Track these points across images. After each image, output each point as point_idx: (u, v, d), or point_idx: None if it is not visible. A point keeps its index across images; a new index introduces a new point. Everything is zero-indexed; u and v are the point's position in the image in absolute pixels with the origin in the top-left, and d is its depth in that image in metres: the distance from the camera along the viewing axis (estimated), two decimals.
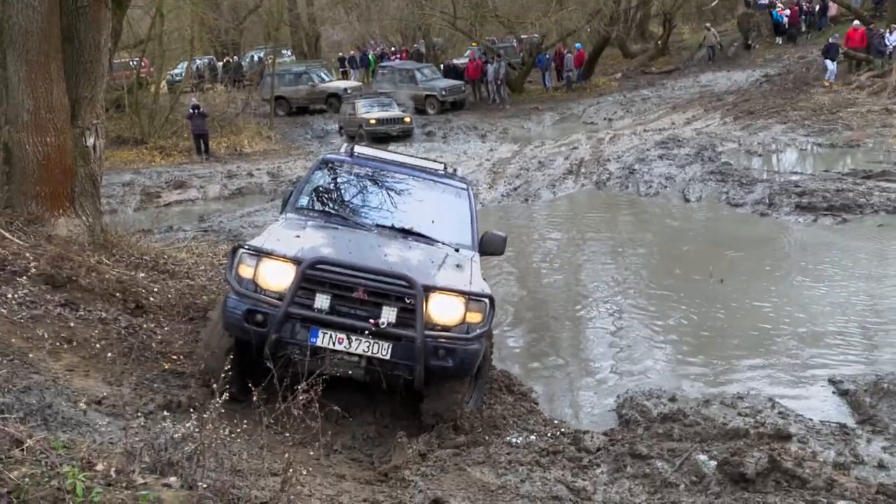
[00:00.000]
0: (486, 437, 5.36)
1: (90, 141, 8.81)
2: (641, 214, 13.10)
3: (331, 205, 6.57)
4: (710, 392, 6.37)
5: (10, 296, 6.08)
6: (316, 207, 6.47)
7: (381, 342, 5.02)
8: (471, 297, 5.20)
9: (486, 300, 5.24)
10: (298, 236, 5.56)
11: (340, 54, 40.14)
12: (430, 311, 5.10)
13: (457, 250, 6.10)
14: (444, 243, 6.15)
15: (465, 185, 7.07)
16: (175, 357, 6.12)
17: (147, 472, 3.01)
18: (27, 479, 2.61)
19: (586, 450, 5.24)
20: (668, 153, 16.19)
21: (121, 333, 6.28)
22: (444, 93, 28.71)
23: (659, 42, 36.58)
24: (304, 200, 6.52)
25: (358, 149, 7.25)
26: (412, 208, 6.49)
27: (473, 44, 36.04)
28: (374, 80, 31.94)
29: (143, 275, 8.03)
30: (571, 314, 8.69)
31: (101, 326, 6.31)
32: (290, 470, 3.15)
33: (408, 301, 5.05)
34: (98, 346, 5.83)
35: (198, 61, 35.80)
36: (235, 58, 40.09)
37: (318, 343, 4.99)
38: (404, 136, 23.64)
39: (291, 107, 30.62)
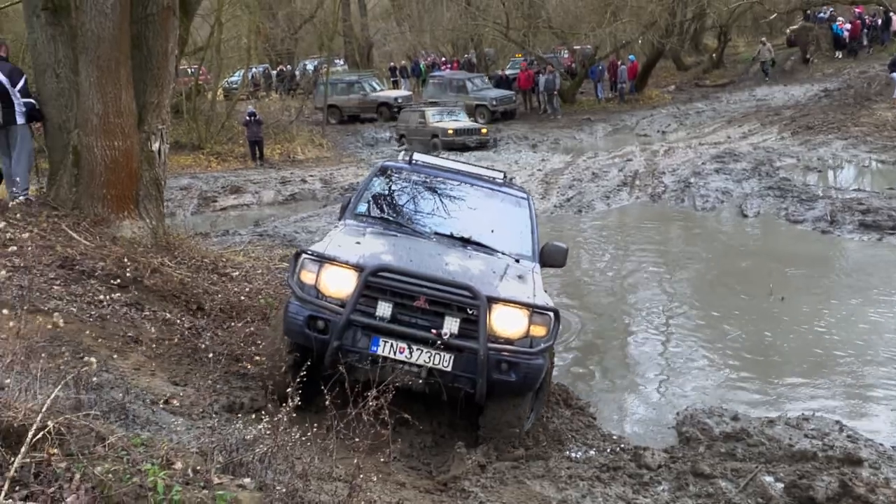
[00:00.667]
0: (546, 451, 5.30)
1: (155, 145, 9.01)
2: (698, 229, 12.92)
3: (389, 212, 6.53)
4: (772, 412, 6.24)
5: (79, 295, 6.24)
6: (374, 214, 6.44)
7: (442, 353, 4.94)
8: (535, 310, 5.09)
9: (551, 314, 5.13)
10: (359, 243, 5.54)
11: (392, 64, 40.45)
12: (492, 323, 5.00)
13: (517, 261, 6.00)
14: (504, 253, 6.05)
15: (525, 195, 6.99)
16: (236, 359, 6.20)
17: (221, 472, 3.04)
18: (110, 475, 2.65)
19: (647, 466, 5.15)
20: (725, 167, 15.96)
21: (184, 334, 6.40)
22: (494, 103, 28.74)
23: (713, 55, 36.17)
24: (362, 207, 6.50)
25: (416, 156, 7.21)
26: (471, 217, 6.41)
27: (517, 55, 36.11)
28: (425, 90, 32.13)
29: (203, 277, 8.16)
30: (626, 328, 8.59)
31: (164, 327, 6.44)
32: (360, 476, 3.16)
33: (470, 312, 4.96)
34: (163, 346, 5.96)
35: (253, 69, 36.37)
36: (289, 67, 40.70)
37: (379, 352, 4.93)
38: (480, 146, 23.23)
39: (343, 115, 30.95)
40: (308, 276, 5.12)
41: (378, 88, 32.55)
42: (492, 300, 5.01)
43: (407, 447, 5.32)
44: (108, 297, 6.43)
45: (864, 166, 16.17)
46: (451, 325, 4.95)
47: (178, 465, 2.90)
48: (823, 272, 9.89)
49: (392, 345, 4.94)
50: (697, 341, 8.05)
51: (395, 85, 37.63)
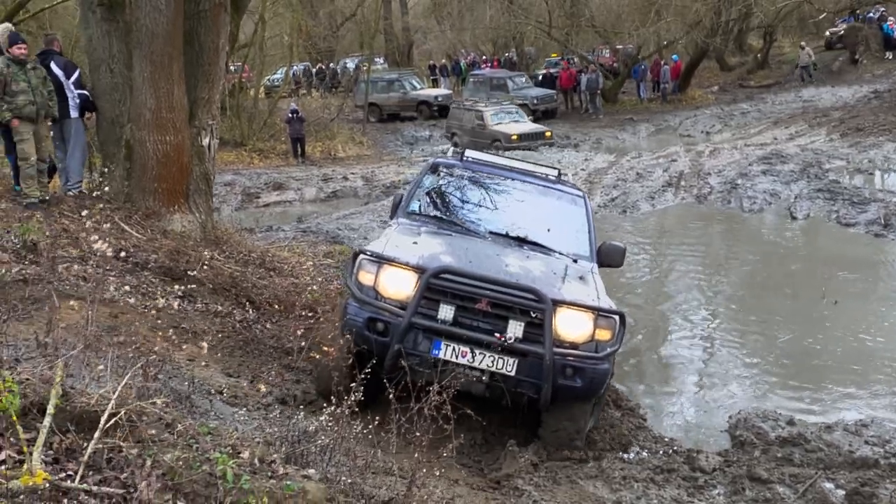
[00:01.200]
0: (598, 451, 5.24)
1: (205, 140, 9.10)
2: (745, 230, 12.72)
3: (443, 210, 6.41)
4: (827, 417, 6.11)
5: (134, 286, 6.32)
6: (427, 213, 6.32)
7: (506, 357, 4.80)
8: (600, 314, 4.95)
9: (617, 317, 4.98)
10: (416, 243, 5.43)
11: (431, 62, 40.49)
12: (557, 326, 4.86)
13: (575, 261, 5.86)
14: (561, 253, 5.91)
15: (580, 192, 6.85)
16: (286, 352, 6.24)
17: (285, 462, 3.05)
18: (181, 463, 2.67)
19: (701, 469, 5.08)
20: (772, 169, 15.68)
21: (235, 327, 6.46)
22: (535, 102, 28.60)
23: (758, 55, 35.62)
24: (415, 205, 6.39)
25: (468, 153, 7.12)
26: (526, 215, 6.27)
27: (553, 55, 35.95)
28: (466, 88, 32.10)
29: (251, 271, 8.23)
30: (672, 329, 8.47)
31: (216, 319, 6.50)
32: (423, 471, 3.14)
33: (534, 315, 4.83)
34: (215, 338, 6.01)
35: (295, 67, 36.68)
36: (331, 65, 40.96)
37: (441, 355, 4.79)
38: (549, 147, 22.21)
39: (383, 113, 31.03)
40: (367, 277, 5.00)
41: (418, 87, 32.59)
42: (556, 303, 4.87)
43: (458, 444, 5.30)
44: (162, 289, 6.51)
45: None
46: (515, 329, 4.82)
47: (245, 455, 2.91)
48: (877, 277, 9.67)
49: (454, 348, 4.81)
50: (746, 344, 7.92)
51: (435, 83, 37.67)
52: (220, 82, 9.56)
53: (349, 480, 2.96)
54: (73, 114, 8.50)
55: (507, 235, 6.02)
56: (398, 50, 41.87)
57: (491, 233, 6.01)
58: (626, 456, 5.24)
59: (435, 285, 4.84)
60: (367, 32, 33.39)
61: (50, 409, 2.58)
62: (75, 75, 8.50)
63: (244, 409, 4.53)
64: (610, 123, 27.16)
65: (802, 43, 33.56)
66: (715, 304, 9.16)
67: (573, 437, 5.17)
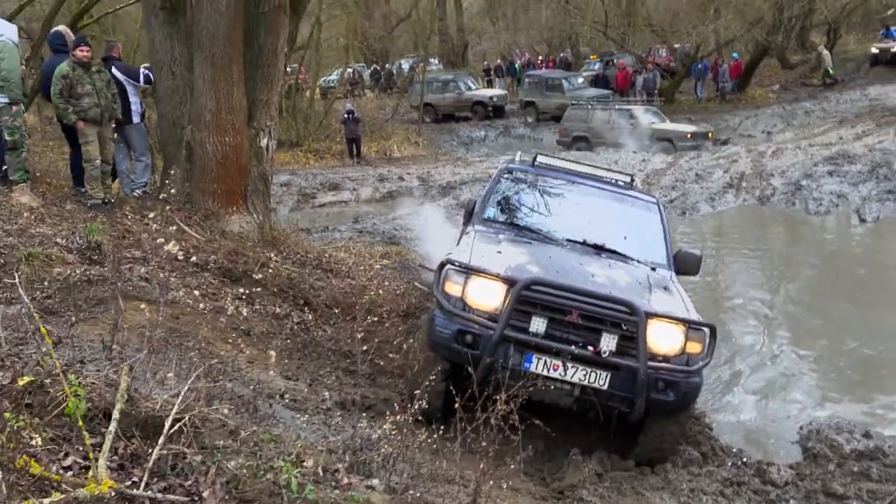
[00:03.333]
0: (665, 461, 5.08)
1: (264, 142, 9.15)
2: (811, 233, 12.33)
3: (518, 217, 6.33)
4: None
5: (194, 287, 6.36)
6: (503, 219, 6.26)
7: (598, 371, 4.71)
8: (691, 326, 4.83)
9: (707, 330, 4.85)
10: (500, 252, 5.32)
11: (486, 63, 40.38)
12: (648, 339, 4.73)
13: (653, 269, 5.76)
14: (638, 262, 5.82)
15: (654, 199, 6.74)
16: (345, 356, 6.21)
17: (348, 471, 2.99)
18: (245, 471, 2.62)
19: (773, 483, 4.89)
20: (838, 169, 15.18)
21: (293, 329, 6.45)
22: (593, 102, 28.23)
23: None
24: (490, 212, 6.31)
25: (540, 158, 7.05)
26: (601, 223, 6.18)
27: (593, 56, 35.55)
28: (521, 89, 31.90)
29: (308, 272, 8.24)
30: (736, 335, 8.21)
31: (275, 321, 6.50)
32: (490, 483, 3.05)
33: (625, 328, 4.72)
34: (274, 340, 6.01)
35: (351, 68, 36.94)
36: (386, 66, 41.15)
37: (532, 369, 4.66)
38: (709, 150, 21.08)
39: (438, 114, 31.00)
40: (454, 288, 4.89)
41: (473, 87, 32.50)
42: (648, 315, 4.75)
43: (517, 452, 5.19)
44: (221, 290, 6.54)
45: None
46: (608, 342, 4.71)
47: (309, 463, 2.85)
48: None
49: (546, 361, 4.70)
50: (813, 352, 7.64)
51: (490, 84, 37.53)
52: (279, 84, 9.63)
53: (415, 493, 2.88)
54: (136, 119, 8.63)
55: (584, 243, 5.93)
56: (453, 51, 41.84)
57: (568, 240, 5.94)
58: (693, 467, 5.06)
59: (527, 297, 4.73)
60: (423, 33, 33.44)
61: (115, 415, 2.56)
62: (143, 75, 8.61)
63: (305, 413, 4.48)
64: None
65: (821, 46, 32.37)
66: (779, 309, 8.87)
67: (668, 453, 5.07)
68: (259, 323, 6.23)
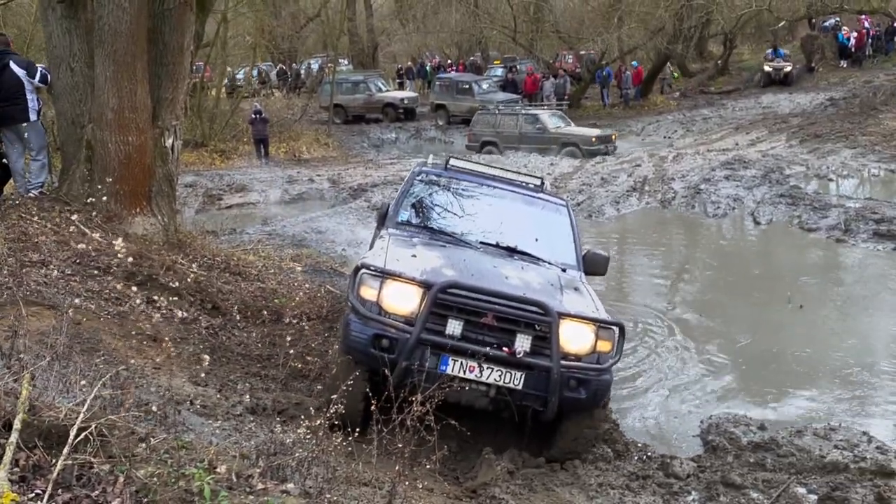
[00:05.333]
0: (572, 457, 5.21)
1: (169, 141, 8.91)
2: (709, 235, 12.86)
3: (432, 220, 6.38)
4: (796, 422, 6.16)
5: (96, 291, 6.14)
6: (417, 223, 6.30)
7: (513, 371, 4.77)
8: (601, 325, 4.97)
9: (616, 328, 4.99)
10: (415, 255, 5.37)
11: (399, 66, 40.40)
12: (560, 339, 4.83)
13: (564, 270, 5.88)
14: (550, 263, 5.94)
15: (563, 202, 6.87)
16: (254, 360, 6.11)
17: (262, 476, 2.96)
18: (155, 479, 2.56)
19: (676, 476, 5.08)
20: (735, 174, 15.90)
21: (201, 334, 6.31)
22: (501, 106, 28.61)
23: (718, 62, 36.11)
24: (403, 215, 6.33)
25: (453, 161, 7.09)
26: (513, 225, 6.26)
27: (496, 62, 36.22)
28: (432, 92, 32.04)
29: (216, 276, 8.06)
30: (639, 334, 8.48)
31: (182, 326, 6.35)
32: (405, 483, 3.07)
33: (538, 328, 4.82)
34: (181, 345, 5.86)
35: (259, 67, 36.33)
36: (294, 65, 40.61)
37: (449, 371, 4.69)
38: (612, 153, 21.50)
39: (348, 115, 30.79)
40: (369, 292, 4.87)
41: (384, 89, 32.46)
42: (560, 315, 4.85)
43: (431, 452, 5.22)
44: (125, 294, 6.33)
45: (874, 175, 16.11)
46: (523, 343, 4.78)
47: (221, 469, 2.81)
48: (840, 281, 9.83)
49: (462, 363, 4.73)
50: (711, 349, 7.95)
51: (401, 86, 37.58)
52: (185, 82, 9.38)
53: (331, 497, 2.87)
54: (33, 117, 8.25)
55: (497, 246, 6.02)
56: (363, 51, 41.65)
57: (482, 243, 6.01)
58: (601, 463, 5.20)
59: (443, 300, 4.76)
60: (332, 33, 33.17)
61: (17, 425, 2.46)
62: (39, 74, 8.24)
63: (216, 419, 4.40)
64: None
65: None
66: (680, 308, 9.21)
67: (591, 442, 5.23)
68: (166, 328, 6.07)
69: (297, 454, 3.16)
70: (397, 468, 3.18)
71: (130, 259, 7.03)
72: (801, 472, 5.09)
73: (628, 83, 31.14)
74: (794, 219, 12.74)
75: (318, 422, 3.24)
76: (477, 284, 4.93)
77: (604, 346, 4.95)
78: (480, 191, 6.66)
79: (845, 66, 31.73)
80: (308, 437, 3.23)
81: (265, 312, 7.35)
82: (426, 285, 4.79)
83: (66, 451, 2.53)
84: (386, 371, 4.44)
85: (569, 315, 4.92)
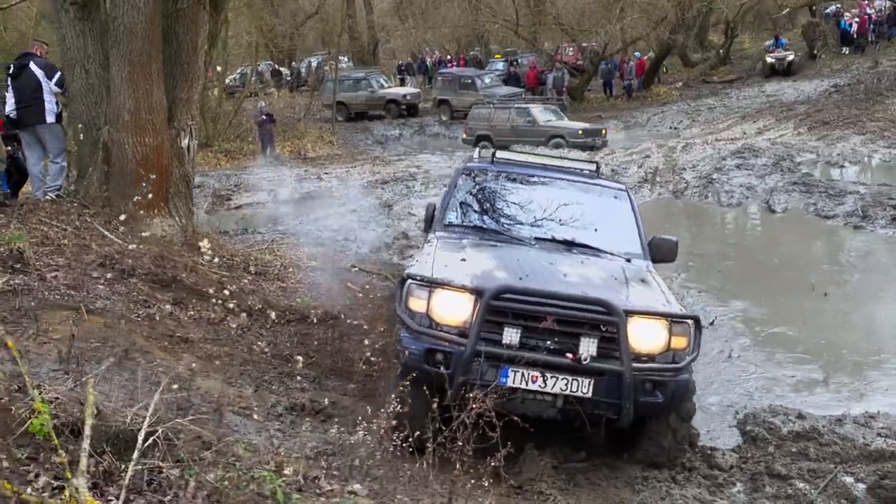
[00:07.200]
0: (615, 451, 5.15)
1: (185, 142, 8.89)
2: (726, 224, 12.81)
3: (482, 219, 6.00)
4: (832, 410, 6.10)
5: (123, 294, 6.09)
6: (466, 223, 5.92)
7: (580, 378, 4.41)
8: (674, 320, 4.58)
9: (692, 322, 4.60)
10: (464, 259, 5.04)
11: (400, 62, 40.31)
12: (630, 338, 4.46)
13: (628, 261, 5.51)
14: (612, 254, 5.56)
15: (622, 186, 6.48)
16: (285, 359, 6.06)
17: (328, 478, 2.91)
18: (226, 483, 2.51)
19: (719, 467, 5.03)
20: (746, 163, 15.83)
21: (231, 334, 6.26)
22: (504, 100, 28.53)
23: (720, 51, 36.02)
24: (451, 216, 5.96)
25: (500, 153, 6.72)
26: (569, 216, 5.86)
27: (497, 56, 36.11)
28: (434, 87, 31.97)
29: (237, 276, 8.02)
30: None
31: (210, 327, 6.30)
32: (469, 483, 3.02)
33: (604, 329, 4.45)
34: (213, 346, 5.81)
35: (260, 66, 36.28)
36: (293, 63, 40.54)
37: (510, 383, 4.37)
38: (602, 147, 21.46)
39: (350, 112, 30.75)
40: (418, 304, 4.57)
41: (386, 85, 32.39)
42: (627, 313, 4.48)
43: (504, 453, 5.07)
44: (152, 296, 6.29)
45: (884, 161, 16.05)
46: (588, 347, 4.42)
47: (288, 472, 2.76)
48: (862, 268, 9.76)
49: (523, 374, 4.39)
50: (742, 338, 7.88)
51: (402, 82, 37.51)
52: (200, 82, 9.36)
53: (402, 497, 2.82)
54: (50, 119, 8.21)
55: (553, 240, 5.66)
56: (363, 48, 41.59)
57: (536, 239, 5.66)
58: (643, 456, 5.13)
59: (497, 307, 4.44)
60: (333, 31, 33.10)
61: (87, 431, 2.41)
62: (56, 77, 8.20)
63: (257, 420, 4.35)
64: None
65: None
66: (706, 299, 9.13)
67: (674, 455, 4.90)
68: (195, 329, 6.02)
69: (357, 455, 3.11)
70: (458, 467, 3.12)
71: (153, 261, 7.03)
72: (845, 461, 5.03)
73: (631, 74, 31.07)
74: (809, 206, 12.66)
75: (377, 423, 3.18)
76: (532, 287, 4.60)
77: (678, 342, 4.55)
78: (531, 182, 6.27)
79: (847, 52, 31.61)
80: (368, 438, 3.17)
81: (288, 312, 7.32)
82: (477, 292, 4.47)
83: (135, 455, 2.48)
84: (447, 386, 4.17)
85: (636, 311, 4.55)
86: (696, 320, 4.63)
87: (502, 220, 5.96)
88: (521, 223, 5.87)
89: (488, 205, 6.17)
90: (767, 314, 8.47)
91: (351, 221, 13.18)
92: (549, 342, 4.44)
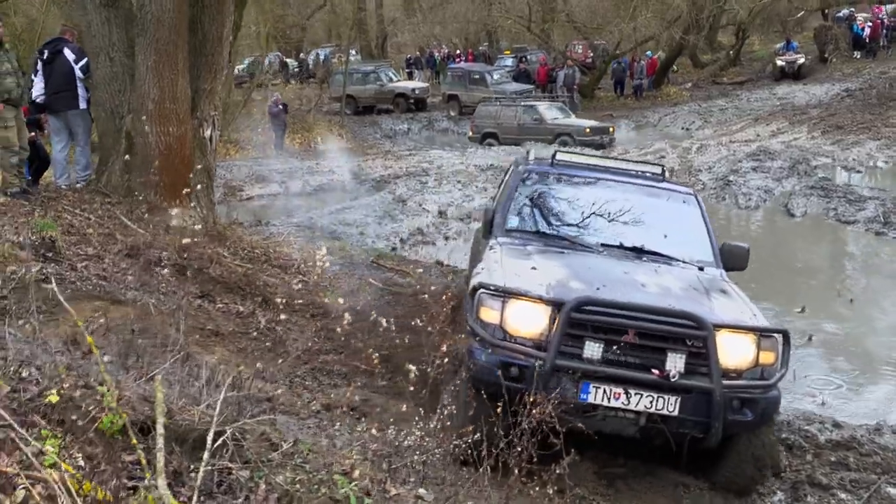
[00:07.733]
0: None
1: (207, 132, 8.82)
2: (744, 227, 12.74)
3: (546, 224, 5.74)
4: (867, 418, 6.03)
5: (154, 286, 6.02)
6: (529, 228, 5.69)
7: (666, 396, 4.19)
8: (762, 334, 4.36)
9: (780, 336, 4.38)
10: (535, 268, 4.80)
11: (408, 56, 40.20)
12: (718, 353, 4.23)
13: (701, 269, 5.27)
14: (683, 262, 5.32)
15: (690, 190, 6.20)
16: (315, 354, 5.99)
17: (393, 481, 2.84)
18: (297, 486, 2.44)
19: None
20: (762, 165, 15.74)
21: (260, 328, 6.19)
22: (514, 97, 28.44)
23: (730, 52, 35.89)
24: (513, 221, 5.71)
25: (560, 155, 6.36)
26: (636, 222, 5.66)
27: (506, 52, 36.01)
28: (444, 82, 31.87)
29: (260, 269, 7.96)
30: None
31: (239, 320, 6.23)
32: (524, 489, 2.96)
33: (690, 343, 4.24)
34: (242, 340, 5.75)
35: (269, 57, 36.15)
36: (301, 55, 40.44)
37: (591, 400, 4.18)
38: (609, 145, 21.28)
39: (358, 105, 30.66)
40: (491, 315, 4.37)
41: (395, 79, 32.30)
42: (716, 327, 4.24)
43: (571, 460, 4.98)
44: (180, 288, 6.21)
45: None
46: (675, 363, 4.21)
47: (356, 475, 2.69)
48: (887, 274, 9.69)
49: (606, 390, 4.19)
50: None
51: (410, 76, 37.40)
52: (224, 72, 9.28)
53: (464, 501, 2.76)
54: (82, 105, 8.16)
55: (621, 246, 5.42)
56: (373, 41, 41.50)
57: (603, 245, 5.41)
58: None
59: (577, 320, 4.23)
60: (344, 23, 33.02)
61: (160, 430, 2.34)
62: (83, 62, 8.14)
63: (296, 417, 4.29)
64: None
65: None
66: None
67: (758, 478, 4.71)
68: (225, 322, 5.95)
69: (416, 458, 3.05)
70: (516, 472, 3.06)
71: (178, 252, 6.96)
72: (887, 471, 4.97)
73: (642, 73, 30.95)
74: (829, 211, 12.58)
75: (433, 425, 3.12)
76: (615, 298, 4.36)
77: (767, 357, 4.34)
78: (595, 185, 6.01)
79: (859, 57, 31.49)
80: (427, 440, 3.11)
81: (312, 306, 7.25)
82: (556, 304, 4.28)
83: (206, 456, 2.41)
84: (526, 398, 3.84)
85: (725, 325, 4.32)
86: (786, 334, 4.41)
87: (566, 225, 5.71)
88: (587, 229, 5.61)
89: (551, 209, 5.92)
90: (790, 319, 8.38)
91: (365, 216, 13.12)
92: (631, 357, 4.26)
